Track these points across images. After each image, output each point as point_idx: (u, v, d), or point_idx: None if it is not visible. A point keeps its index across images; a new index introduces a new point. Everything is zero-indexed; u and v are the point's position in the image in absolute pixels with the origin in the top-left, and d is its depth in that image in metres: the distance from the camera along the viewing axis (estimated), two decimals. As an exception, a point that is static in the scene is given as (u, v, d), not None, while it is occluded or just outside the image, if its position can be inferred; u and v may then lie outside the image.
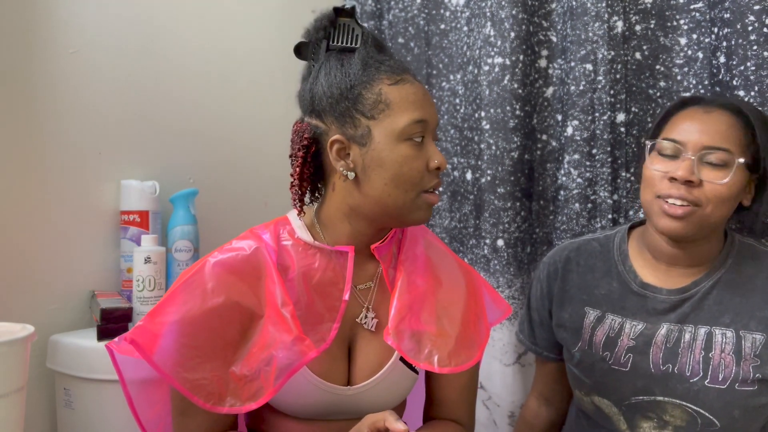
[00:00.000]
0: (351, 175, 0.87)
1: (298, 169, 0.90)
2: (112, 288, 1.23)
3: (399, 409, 1.01)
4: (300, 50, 0.94)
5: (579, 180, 1.35)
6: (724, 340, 1.01)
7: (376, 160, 0.85)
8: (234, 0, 1.49)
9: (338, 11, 0.91)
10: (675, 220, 0.99)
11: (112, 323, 1.04)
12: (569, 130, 1.36)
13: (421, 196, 0.87)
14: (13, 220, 1.10)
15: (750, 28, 1.16)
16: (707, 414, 1.00)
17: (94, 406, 1.03)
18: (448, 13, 1.56)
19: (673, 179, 0.99)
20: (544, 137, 1.42)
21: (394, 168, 0.85)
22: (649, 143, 1.07)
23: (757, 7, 1.14)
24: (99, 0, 1.22)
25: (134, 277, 1.15)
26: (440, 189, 1.56)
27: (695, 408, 1.01)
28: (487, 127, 1.43)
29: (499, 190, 1.42)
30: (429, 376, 1.02)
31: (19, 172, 1.11)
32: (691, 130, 1.01)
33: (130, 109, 1.27)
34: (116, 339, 0.84)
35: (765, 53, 1.14)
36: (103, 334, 1.04)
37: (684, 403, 1.02)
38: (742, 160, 0.99)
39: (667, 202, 1.00)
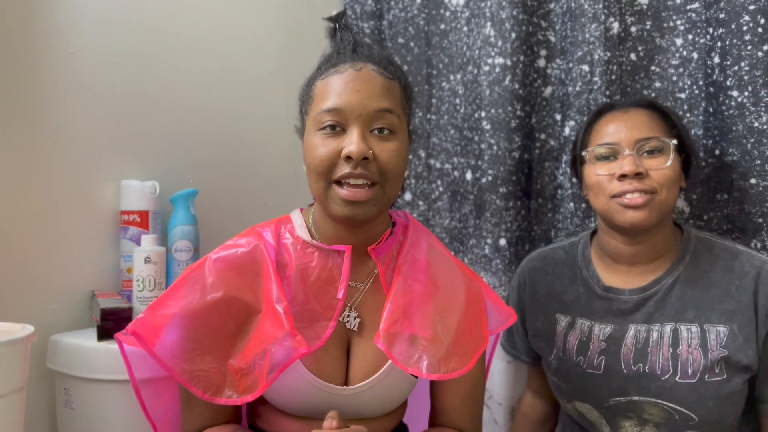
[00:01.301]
0: (304, 168, 0.92)
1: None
2: (112, 288, 1.23)
3: (399, 412, 1.01)
4: None
5: (574, 179, 1.35)
6: (689, 335, 1.04)
7: (304, 151, 0.90)
8: (235, 1, 1.49)
9: (330, 19, 0.97)
10: (638, 210, 1.03)
11: (112, 323, 1.04)
12: (566, 131, 1.37)
13: (332, 188, 0.85)
14: (13, 220, 1.10)
15: (744, 28, 1.16)
16: (682, 409, 1.03)
17: (94, 406, 1.03)
18: (448, 14, 1.56)
19: (622, 176, 1.04)
20: (543, 136, 1.43)
21: (306, 156, 0.88)
22: (585, 153, 1.11)
23: (752, 7, 1.15)
24: (99, 0, 1.22)
25: (134, 277, 1.15)
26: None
27: (670, 405, 1.03)
28: (488, 127, 1.44)
29: (501, 189, 1.42)
30: (431, 382, 1.01)
31: (19, 172, 1.11)
32: (619, 129, 1.07)
33: (130, 109, 1.28)
34: (123, 331, 0.88)
35: (759, 53, 1.14)
36: (103, 334, 1.04)
37: (659, 401, 1.04)
38: (675, 141, 1.05)
39: (624, 197, 1.03)
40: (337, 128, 0.85)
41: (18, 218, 1.10)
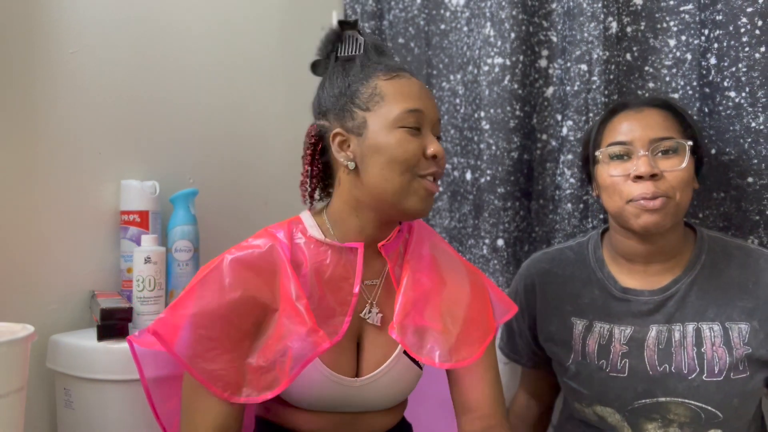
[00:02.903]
0: (351, 165, 0.93)
1: (306, 167, 0.98)
2: (112, 288, 1.23)
3: (400, 408, 1.04)
4: (314, 67, 1.02)
5: (572, 180, 1.35)
6: (712, 334, 1.04)
7: (373, 147, 0.91)
8: (235, 1, 1.49)
9: (343, 24, 0.98)
10: (653, 214, 1.01)
11: (112, 323, 1.05)
12: (564, 130, 1.37)
13: (418, 181, 0.91)
14: (13, 219, 1.10)
15: (742, 29, 1.16)
16: (710, 407, 1.02)
17: (94, 406, 1.03)
18: (448, 14, 1.56)
19: (637, 178, 1.02)
20: (544, 137, 1.43)
21: (389, 151, 0.90)
22: (598, 153, 1.09)
23: (749, 9, 1.15)
24: (99, 0, 1.22)
25: (134, 277, 1.15)
26: (441, 186, 1.56)
27: (698, 404, 1.03)
28: (487, 127, 1.44)
29: (499, 190, 1.42)
30: (453, 381, 1.02)
31: (19, 172, 1.11)
32: (633, 128, 1.05)
33: (131, 109, 1.28)
34: (137, 333, 0.91)
35: (756, 55, 1.15)
36: (103, 334, 1.04)
37: (686, 400, 1.03)
38: (690, 143, 1.03)
39: (640, 201, 1.02)
40: (414, 128, 0.91)
41: (18, 218, 1.10)
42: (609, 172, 1.06)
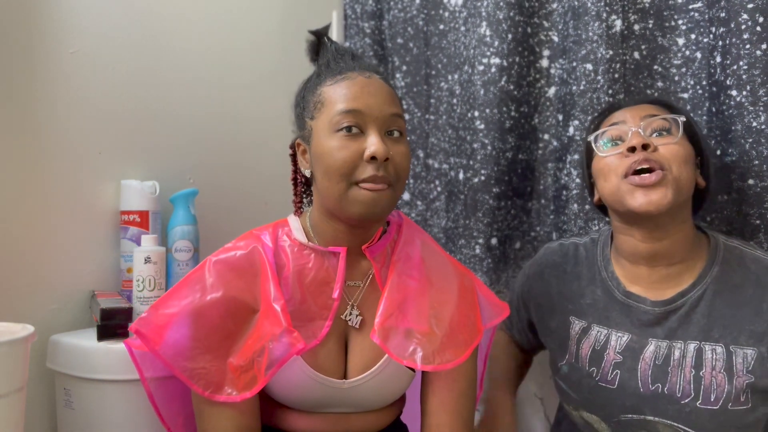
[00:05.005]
0: (308, 173, 0.95)
1: (291, 175, 1.01)
2: (112, 288, 1.23)
3: (397, 406, 1.03)
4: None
5: (578, 180, 1.34)
6: (714, 356, 0.96)
7: (316, 154, 0.90)
8: (235, 1, 1.49)
9: (312, 33, 1.00)
10: (651, 190, 0.96)
11: (112, 323, 1.05)
12: (570, 130, 1.36)
13: (354, 189, 0.87)
14: (13, 219, 1.10)
15: (743, 26, 1.14)
16: None
17: (94, 406, 1.03)
18: (446, 14, 1.56)
19: (630, 150, 0.98)
20: (546, 137, 1.42)
21: (325, 159, 0.88)
22: (591, 138, 1.08)
23: (750, 6, 1.14)
24: (99, 0, 1.22)
25: (134, 277, 1.15)
26: (438, 187, 1.56)
27: (687, 429, 0.97)
28: (482, 127, 1.43)
29: (494, 190, 1.42)
30: (424, 385, 1.00)
31: (19, 172, 1.11)
32: (624, 112, 1.06)
33: (130, 108, 1.28)
34: (134, 336, 0.91)
35: (757, 52, 1.13)
36: (103, 334, 1.04)
37: (675, 424, 0.98)
38: (683, 118, 1.01)
39: (636, 174, 0.98)
40: (354, 130, 0.87)
41: (18, 218, 1.10)
42: (605, 155, 1.04)
